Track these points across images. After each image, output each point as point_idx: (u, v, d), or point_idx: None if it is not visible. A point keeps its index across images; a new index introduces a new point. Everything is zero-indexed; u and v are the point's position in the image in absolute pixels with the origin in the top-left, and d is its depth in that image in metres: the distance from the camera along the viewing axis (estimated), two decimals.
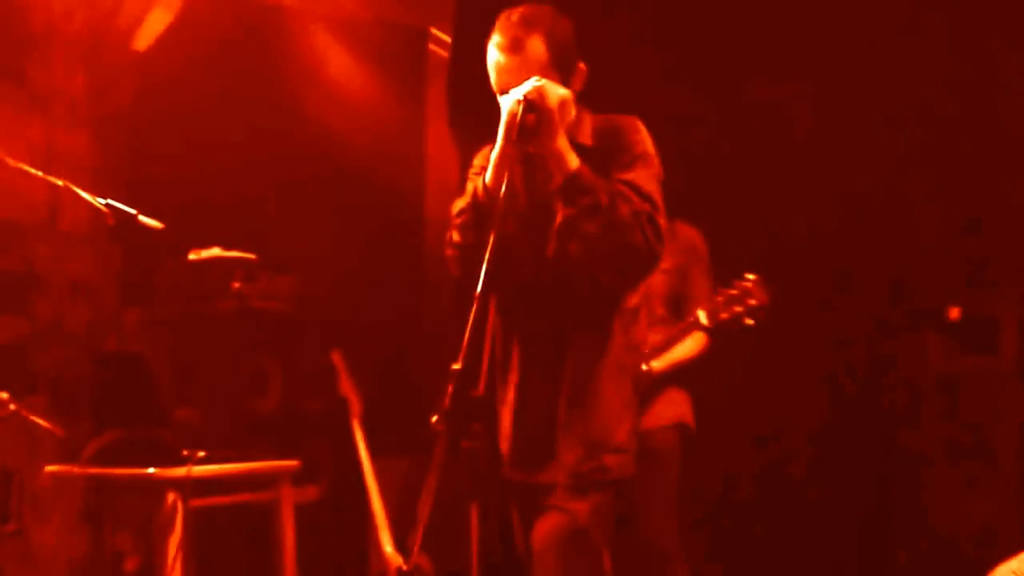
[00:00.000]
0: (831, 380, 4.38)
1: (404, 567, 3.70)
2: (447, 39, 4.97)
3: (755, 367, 4.22)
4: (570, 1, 2.55)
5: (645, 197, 2.41)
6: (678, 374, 3.61)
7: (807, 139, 4.51)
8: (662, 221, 2.42)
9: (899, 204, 4.37)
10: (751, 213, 4.40)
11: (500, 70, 2.43)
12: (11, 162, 3.54)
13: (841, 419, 4.32)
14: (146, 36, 4.72)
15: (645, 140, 2.52)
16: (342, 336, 4.30)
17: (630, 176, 2.44)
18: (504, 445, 2.51)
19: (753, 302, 3.42)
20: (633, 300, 2.57)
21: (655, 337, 3.54)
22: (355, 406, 4.09)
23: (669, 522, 3.56)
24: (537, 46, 2.41)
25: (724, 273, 3.60)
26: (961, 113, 4.24)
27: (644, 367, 3.49)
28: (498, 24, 2.46)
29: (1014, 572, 2.37)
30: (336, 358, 4.18)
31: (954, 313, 4.19)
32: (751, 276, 3.45)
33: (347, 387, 4.12)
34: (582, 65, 2.51)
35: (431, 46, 5.12)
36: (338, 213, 4.62)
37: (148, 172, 4.34)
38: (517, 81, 2.39)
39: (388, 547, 3.87)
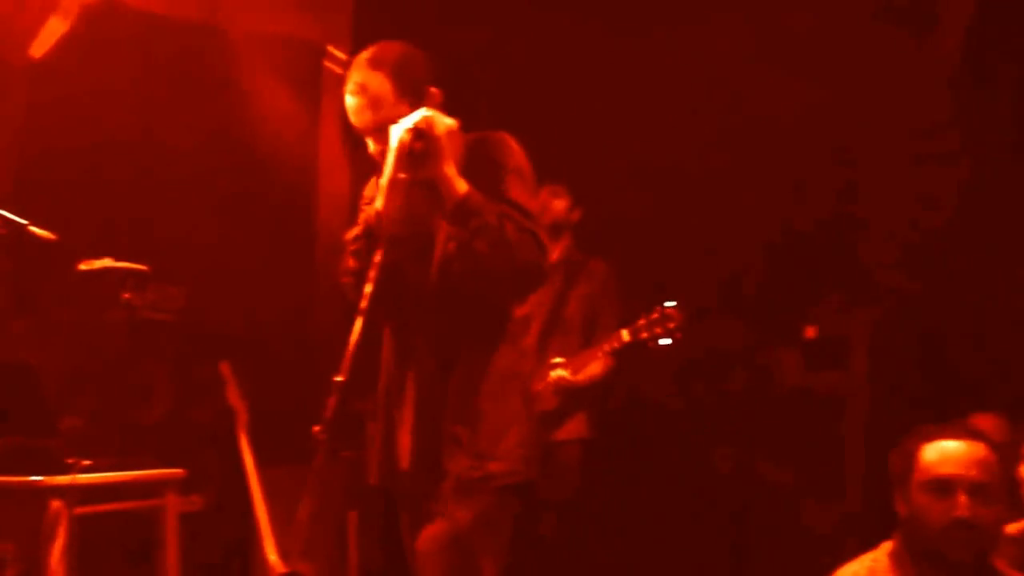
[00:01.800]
0: (688, 391, 4.65)
1: (285, 573, 3.79)
2: (344, 57, 5.06)
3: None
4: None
5: (524, 213, 2.56)
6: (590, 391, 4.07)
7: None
8: (543, 234, 2.58)
9: (748, 226, 4.63)
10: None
11: (352, 112, 2.60)
12: None
13: (694, 428, 4.58)
14: (41, 44, 4.71)
15: (516, 155, 2.66)
16: (231, 347, 4.35)
17: (508, 194, 2.57)
18: (402, 457, 2.62)
19: (672, 325, 3.79)
20: (521, 310, 2.72)
21: (577, 356, 4.04)
22: (242, 416, 4.15)
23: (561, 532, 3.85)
24: (382, 84, 2.56)
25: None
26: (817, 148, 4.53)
27: (568, 376, 3.99)
28: (350, 67, 2.63)
29: (855, 574, 2.52)
30: (224, 369, 4.23)
31: (810, 332, 4.52)
32: (671, 303, 3.86)
33: (234, 398, 4.18)
34: (434, 90, 2.64)
35: (327, 63, 5.21)
36: (230, 226, 4.66)
37: (39, 182, 4.33)
38: (369, 121, 2.56)
39: (272, 555, 3.94)
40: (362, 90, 2.56)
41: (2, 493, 3.17)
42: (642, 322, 3.89)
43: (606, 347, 3.97)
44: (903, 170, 4.48)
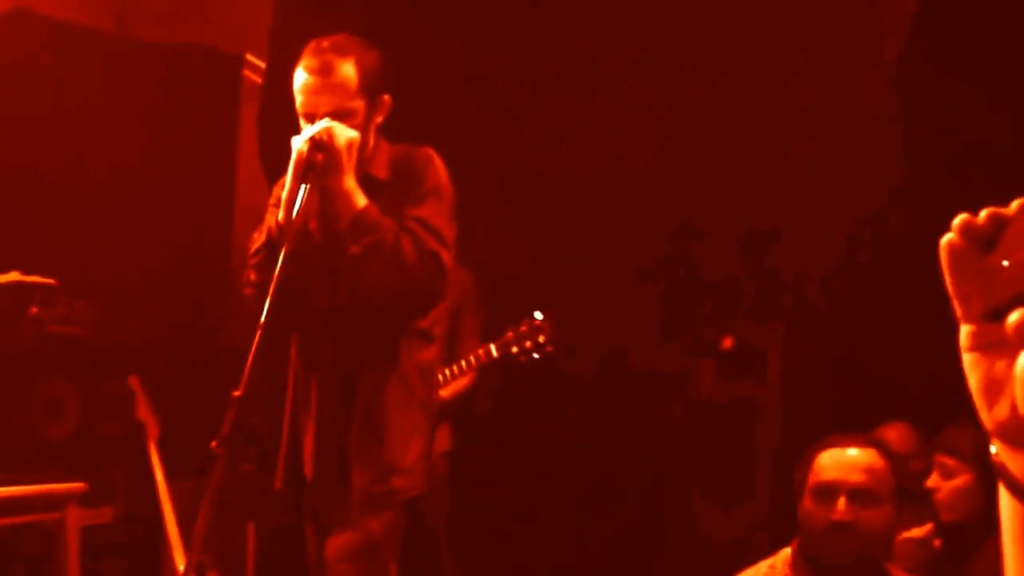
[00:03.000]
0: (604, 401, 4.67)
1: None
2: (261, 65, 5.04)
3: (527, 393, 4.46)
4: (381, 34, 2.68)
5: (433, 233, 2.56)
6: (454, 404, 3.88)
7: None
8: (447, 257, 2.58)
9: (682, 232, 4.68)
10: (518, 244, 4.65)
11: (309, 91, 2.51)
12: None
13: (611, 439, 4.61)
14: None
15: (438, 173, 2.64)
16: (141, 361, 4.29)
17: (420, 212, 2.57)
18: (307, 468, 2.63)
19: (542, 338, 3.69)
20: (423, 323, 2.71)
21: (441, 369, 3.74)
22: (152, 429, 4.10)
23: (438, 545, 3.81)
24: (348, 70, 2.51)
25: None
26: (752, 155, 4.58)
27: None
28: (308, 49, 2.55)
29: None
30: (134, 382, 4.18)
31: (727, 342, 4.58)
32: (539, 314, 3.71)
33: (144, 411, 4.13)
34: (387, 97, 2.62)
35: (246, 72, 5.17)
36: (143, 238, 4.60)
37: None
38: (325, 104, 2.49)
39: (181, 566, 3.91)
40: (324, 72, 2.49)
41: None
42: (510, 335, 3.73)
43: (472, 360, 3.78)
44: (828, 176, 4.53)
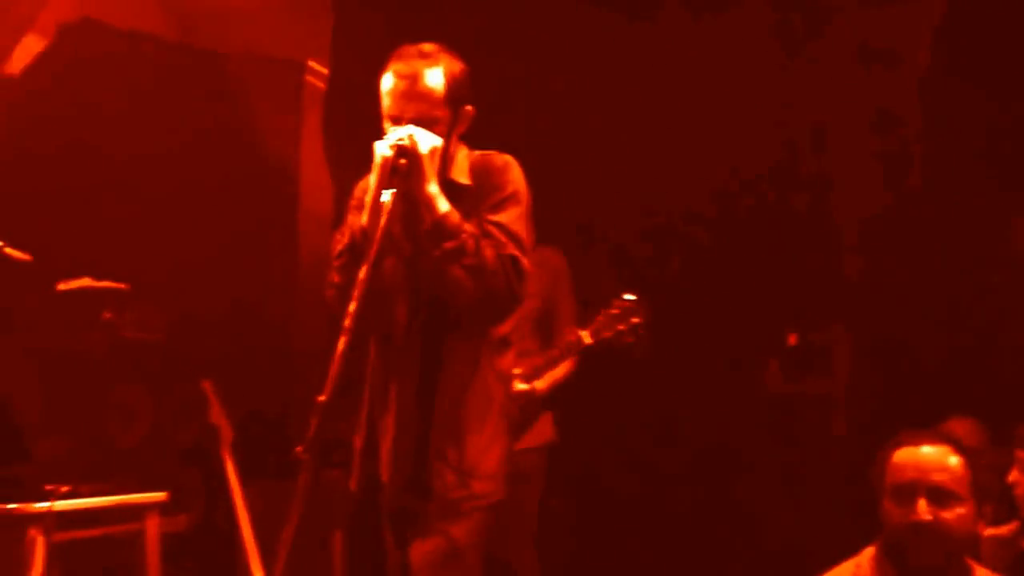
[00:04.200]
0: (680, 397, 4.59)
1: None
2: (324, 72, 5.05)
3: (616, 383, 4.40)
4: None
5: (513, 238, 2.53)
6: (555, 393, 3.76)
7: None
8: (526, 262, 2.55)
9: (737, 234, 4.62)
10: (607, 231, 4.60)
11: (397, 96, 2.51)
12: None
13: (683, 435, 4.54)
14: (18, 61, 4.69)
15: (516, 180, 2.62)
16: (212, 366, 4.32)
17: (499, 217, 2.55)
18: (384, 474, 2.59)
19: (635, 320, 3.60)
20: (501, 331, 2.67)
21: (536, 359, 3.68)
22: (226, 434, 4.12)
23: (528, 543, 3.72)
24: (436, 79, 2.51)
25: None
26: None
27: (527, 387, 3.63)
28: (399, 53, 2.55)
29: None
30: (207, 387, 4.20)
31: (792, 339, 4.51)
32: (630, 296, 3.63)
33: (217, 416, 4.14)
34: (470, 108, 2.61)
35: (308, 78, 5.20)
36: (212, 243, 4.63)
37: (17, 201, 4.29)
38: (412, 109, 2.48)
39: (257, 572, 3.91)
40: (414, 78, 2.50)
41: None
42: (601, 319, 3.60)
43: (570, 346, 3.63)
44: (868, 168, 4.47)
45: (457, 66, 2.58)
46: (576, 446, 4.06)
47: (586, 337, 3.61)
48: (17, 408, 3.39)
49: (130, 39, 4.95)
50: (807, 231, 4.59)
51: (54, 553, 3.01)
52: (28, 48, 4.77)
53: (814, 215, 4.58)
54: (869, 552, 2.43)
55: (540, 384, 3.66)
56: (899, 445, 2.41)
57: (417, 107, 2.49)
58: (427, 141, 2.46)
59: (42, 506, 3.01)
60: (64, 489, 3.04)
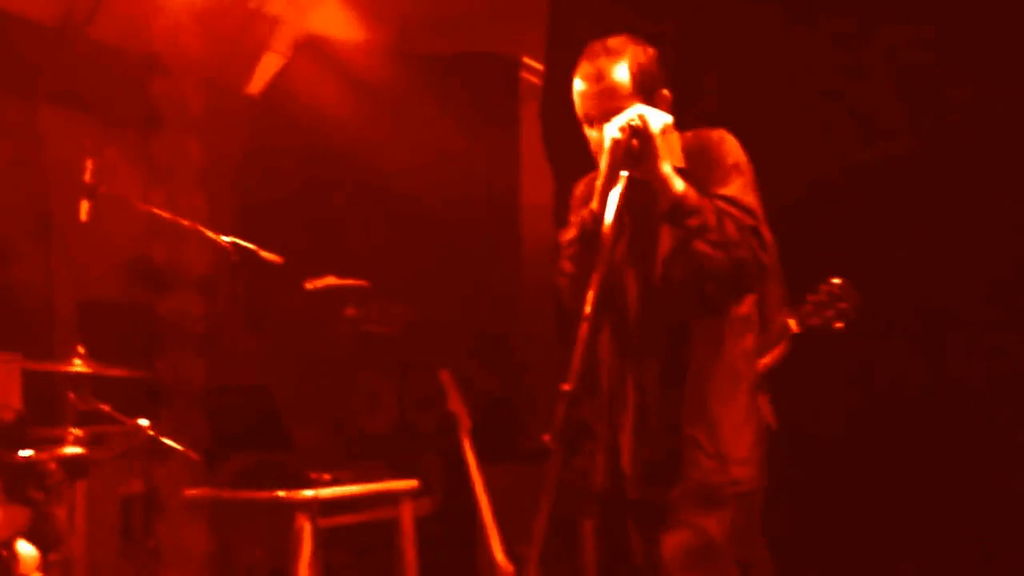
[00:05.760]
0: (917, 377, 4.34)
1: (514, 574, 3.86)
2: (539, 67, 5.13)
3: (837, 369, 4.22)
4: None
5: (745, 210, 2.47)
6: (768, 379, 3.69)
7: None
8: (766, 231, 2.47)
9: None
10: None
11: (583, 98, 2.52)
12: (145, 207, 3.83)
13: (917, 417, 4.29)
14: (258, 80, 5.04)
15: (736, 150, 2.56)
16: (449, 356, 4.48)
17: (727, 191, 2.49)
18: (624, 464, 2.56)
19: (843, 305, 3.46)
20: (744, 308, 2.61)
21: None
22: (464, 422, 4.26)
23: (758, 539, 3.64)
24: (620, 75, 2.49)
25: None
26: None
27: None
28: (584, 54, 2.55)
29: None
30: (445, 377, 4.36)
31: None
32: (837, 280, 3.50)
33: (456, 404, 4.29)
34: (666, 92, 2.57)
35: (524, 75, 5.29)
36: (439, 240, 4.81)
37: (263, 209, 4.62)
38: (599, 108, 2.48)
39: (499, 556, 4.03)
40: (598, 77, 2.50)
41: (250, 508, 3.35)
42: (808, 306, 3.49)
43: (783, 330, 3.53)
44: None
45: (644, 54, 2.54)
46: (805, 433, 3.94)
47: (793, 325, 3.52)
48: (278, 398, 3.62)
49: (355, 51, 5.21)
50: None
51: (320, 538, 3.19)
52: (266, 68, 5.12)
53: None
54: None
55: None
56: None
57: (604, 104, 2.48)
58: (658, 120, 2.43)
59: (308, 493, 3.19)
60: (327, 477, 3.22)
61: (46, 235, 4.68)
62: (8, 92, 4.62)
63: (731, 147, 2.57)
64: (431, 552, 4.17)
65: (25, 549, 3.52)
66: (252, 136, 4.89)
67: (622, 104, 2.47)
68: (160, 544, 4.43)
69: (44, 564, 3.62)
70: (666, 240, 2.53)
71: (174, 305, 4.66)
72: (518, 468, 4.46)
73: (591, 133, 2.55)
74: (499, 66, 5.31)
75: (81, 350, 3.33)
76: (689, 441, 2.49)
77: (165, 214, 3.77)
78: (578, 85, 2.55)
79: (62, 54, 4.65)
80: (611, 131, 2.43)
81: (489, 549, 4.01)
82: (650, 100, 2.51)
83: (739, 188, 2.50)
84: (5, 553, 3.33)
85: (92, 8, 4.72)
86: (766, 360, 3.60)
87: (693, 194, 2.44)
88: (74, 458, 3.19)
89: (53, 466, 3.27)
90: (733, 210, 2.45)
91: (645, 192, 2.48)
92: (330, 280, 4.10)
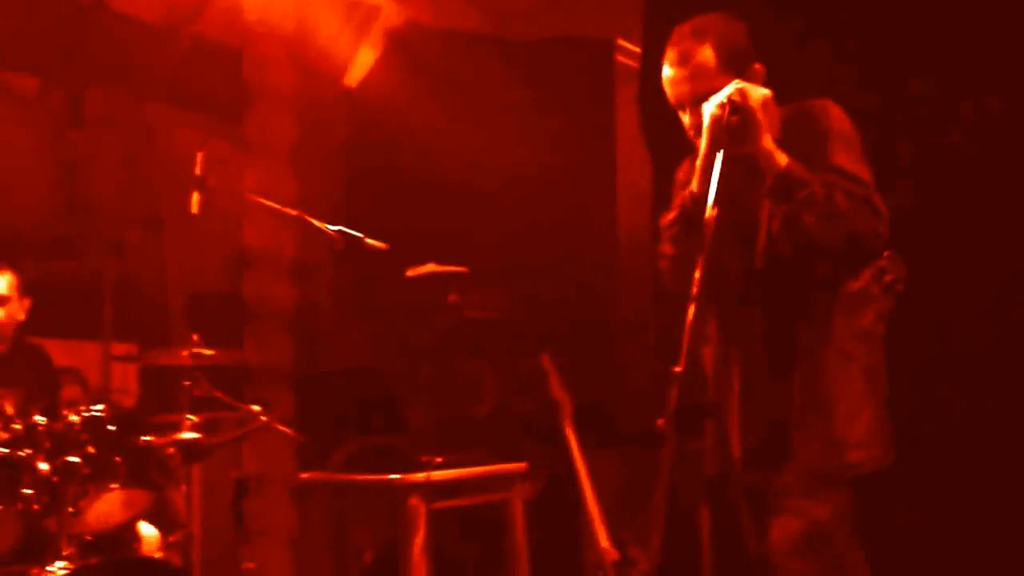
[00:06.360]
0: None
1: (619, 559, 3.86)
2: (635, 49, 5.09)
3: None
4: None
5: (855, 179, 2.41)
6: None
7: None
8: (878, 200, 2.41)
9: None
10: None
11: (671, 83, 2.50)
12: (252, 197, 3.93)
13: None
14: (356, 73, 5.12)
15: (841, 120, 2.50)
16: (549, 341, 4.50)
17: (834, 161, 2.43)
18: (732, 447, 2.53)
19: (888, 278, 3.37)
20: (855, 285, 2.56)
21: None
22: (566, 407, 4.27)
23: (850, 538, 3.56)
24: (706, 55, 2.46)
25: None
26: None
27: None
28: (671, 38, 2.54)
29: None
30: (546, 361, 4.37)
31: None
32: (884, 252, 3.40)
33: (557, 389, 4.30)
34: (758, 66, 2.52)
35: (619, 58, 5.26)
36: (537, 225, 4.83)
37: (363, 197, 4.69)
38: (689, 93, 2.46)
39: (604, 541, 4.04)
40: (683, 60, 2.49)
41: (364, 490, 3.42)
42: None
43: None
44: None
45: (730, 31, 2.51)
46: None
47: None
48: (388, 383, 3.69)
49: (449, 38, 5.25)
50: None
51: (432, 520, 3.23)
52: (363, 59, 5.20)
53: None
54: None
55: None
56: None
57: (692, 87, 2.46)
58: (758, 93, 2.39)
59: (419, 476, 3.24)
60: (438, 460, 3.27)
61: (158, 228, 4.84)
62: (119, 91, 4.78)
63: (836, 116, 2.51)
64: (535, 537, 4.20)
65: (147, 530, 3.66)
66: (351, 127, 4.97)
67: (711, 84, 2.44)
68: (270, 527, 4.55)
69: (164, 545, 3.77)
70: (771, 217, 2.47)
71: (280, 293, 4.77)
72: (619, 453, 4.46)
73: (685, 118, 2.53)
74: (594, 50, 5.28)
75: (196, 338, 3.43)
76: (797, 423, 2.44)
77: (271, 204, 3.86)
78: (666, 71, 2.53)
79: (168, 51, 4.79)
80: (709, 108, 2.40)
81: (594, 534, 4.02)
82: (741, 76, 2.47)
83: (847, 158, 2.44)
84: (128, 535, 3.46)
85: (195, 5, 4.85)
86: None
87: (798, 167, 2.39)
88: (191, 443, 3.28)
89: (171, 451, 3.37)
90: (842, 180, 2.39)
91: (747, 169, 2.43)
92: (431, 267, 4.14)
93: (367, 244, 3.57)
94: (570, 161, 5.06)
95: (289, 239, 4.75)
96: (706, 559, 2.49)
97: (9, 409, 2.98)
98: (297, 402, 4.40)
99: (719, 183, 2.32)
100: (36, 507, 2.89)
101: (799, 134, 2.50)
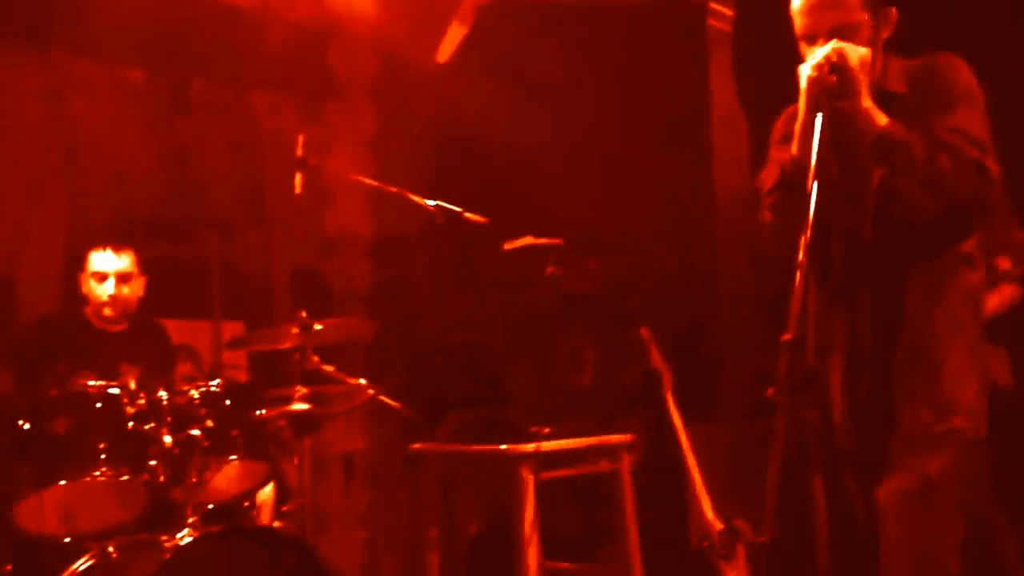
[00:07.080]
0: None
1: (724, 529, 3.85)
2: (728, 12, 5.01)
3: None
4: None
5: (972, 141, 2.32)
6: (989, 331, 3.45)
7: None
8: (992, 165, 2.32)
9: None
10: None
11: (808, 11, 2.39)
12: (353, 176, 4.00)
13: None
14: (446, 48, 5.15)
15: (966, 79, 2.40)
16: (649, 312, 4.49)
17: (953, 120, 2.34)
18: (836, 414, 2.49)
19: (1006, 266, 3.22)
20: (964, 247, 2.46)
21: None
22: (667, 378, 4.25)
23: (984, 487, 3.45)
24: None
25: None
26: None
27: None
28: None
29: None
30: (645, 333, 4.36)
31: None
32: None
33: (657, 360, 4.29)
34: (893, 10, 2.43)
35: (711, 21, 5.18)
36: (633, 194, 4.80)
37: (457, 172, 4.73)
38: (828, 20, 2.35)
39: (709, 512, 4.03)
40: None
41: (474, 460, 3.47)
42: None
43: (1002, 273, 3.28)
44: None
45: None
46: None
47: (1004, 263, 3.29)
48: (490, 356, 3.73)
49: (538, 9, 5.22)
50: None
51: (542, 491, 3.27)
52: (453, 35, 5.22)
53: None
54: None
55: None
56: None
57: (834, 15, 2.35)
58: (855, 53, 2.29)
59: (528, 446, 3.28)
60: (546, 431, 3.31)
61: (262, 209, 4.96)
62: (222, 78, 4.90)
63: (960, 73, 2.41)
64: (639, 508, 4.21)
65: (265, 497, 3.80)
66: (446, 106, 5.00)
67: (850, 17, 2.36)
68: (379, 498, 4.67)
69: (278, 514, 3.90)
70: (875, 178, 2.40)
71: (382, 269, 4.86)
72: (720, 425, 4.44)
73: (808, 53, 2.40)
74: (687, 13, 5.20)
75: (303, 315, 3.51)
76: (904, 389, 2.40)
77: (372, 182, 3.92)
78: (799, 1, 2.41)
79: (263, 38, 4.88)
80: (806, 70, 2.32)
81: (699, 505, 4.02)
82: (877, 16, 2.39)
83: (966, 117, 2.35)
84: (247, 504, 3.58)
85: None
86: (993, 305, 3.36)
87: (899, 128, 2.31)
88: (302, 416, 3.37)
89: (283, 423, 3.47)
90: (956, 140, 2.30)
91: (850, 130, 2.36)
92: (528, 240, 4.16)
93: (466, 218, 3.61)
94: (665, 128, 5.01)
95: (370, 221, 4.83)
96: (821, 531, 2.47)
97: (132, 384, 3.09)
98: (402, 377, 4.49)
99: (819, 147, 2.24)
100: (161, 478, 3.00)
101: (921, 88, 2.42)
